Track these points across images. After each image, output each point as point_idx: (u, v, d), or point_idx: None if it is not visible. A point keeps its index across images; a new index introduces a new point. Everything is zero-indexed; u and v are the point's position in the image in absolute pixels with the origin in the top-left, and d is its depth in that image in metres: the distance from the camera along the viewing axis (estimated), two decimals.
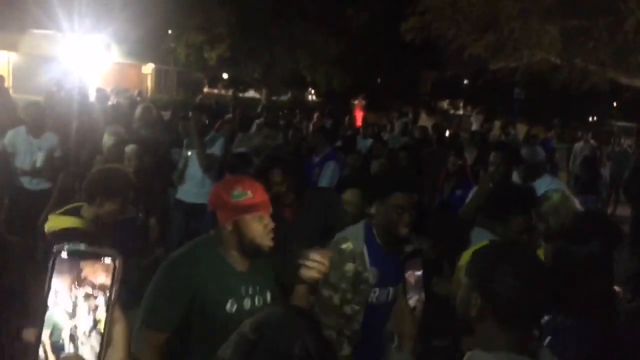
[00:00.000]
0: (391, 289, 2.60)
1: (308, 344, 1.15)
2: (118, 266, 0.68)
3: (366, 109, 20.07)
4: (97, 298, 0.67)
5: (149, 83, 24.85)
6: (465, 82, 31.49)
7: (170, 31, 20.22)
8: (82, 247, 0.68)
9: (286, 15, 19.09)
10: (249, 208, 2.11)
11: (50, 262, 0.67)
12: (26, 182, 5.53)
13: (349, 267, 2.55)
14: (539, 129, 16.92)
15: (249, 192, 2.12)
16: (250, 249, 2.15)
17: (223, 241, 2.17)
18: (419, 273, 1.81)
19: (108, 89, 14.33)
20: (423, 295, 1.78)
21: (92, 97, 11.27)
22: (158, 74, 25.09)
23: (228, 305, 2.12)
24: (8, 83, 14.61)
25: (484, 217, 3.12)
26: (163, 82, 25.03)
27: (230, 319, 2.09)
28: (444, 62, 23.70)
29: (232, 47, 19.18)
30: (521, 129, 17.10)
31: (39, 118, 5.74)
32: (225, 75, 23.33)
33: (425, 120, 19.13)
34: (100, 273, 0.67)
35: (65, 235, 2.55)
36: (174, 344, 2.10)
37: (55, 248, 0.68)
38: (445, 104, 32.92)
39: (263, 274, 2.25)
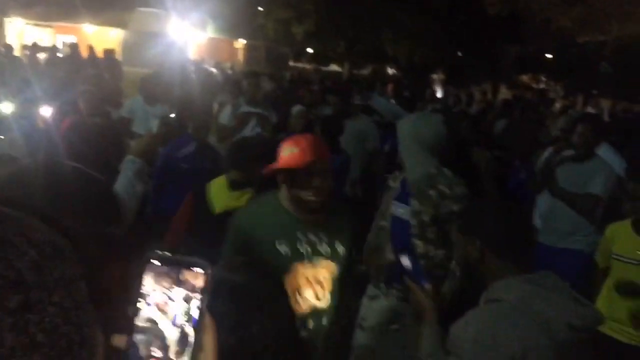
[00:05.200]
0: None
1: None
2: (209, 275, 0.66)
3: (446, 83, 19.27)
4: (188, 305, 0.66)
5: (240, 57, 25.44)
6: (549, 56, 29.65)
7: (260, 8, 20.58)
8: (173, 255, 0.67)
9: None
10: (290, 162, 2.16)
11: (141, 269, 0.66)
12: None
13: None
14: (625, 104, 15.79)
15: (296, 149, 2.16)
16: (295, 202, 2.21)
17: (282, 191, 2.25)
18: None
19: (206, 62, 15.21)
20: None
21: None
22: (248, 48, 25.66)
23: (278, 245, 2.20)
24: (118, 57, 15.88)
25: None
26: (253, 56, 25.53)
27: (284, 259, 2.19)
28: (527, 36, 22.51)
29: (318, 22, 19.24)
30: (605, 104, 16.07)
31: (154, 89, 6.00)
32: (309, 50, 23.45)
33: (505, 94, 18.22)
34: (191, 281, 0.66)
35: None
36: None
37: (147, 254, 0.67)
38: (526, 78, 31.21)
39: (337, 227, 2.31)
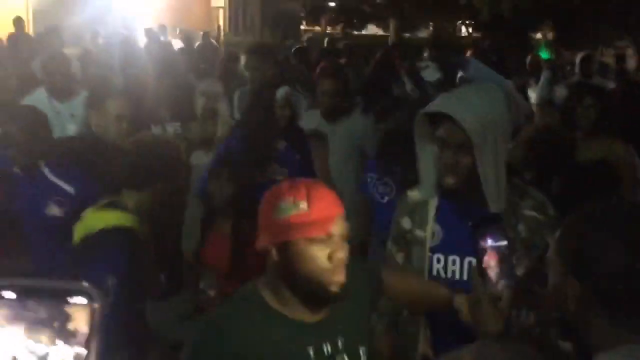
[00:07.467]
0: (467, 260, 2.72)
1: None
2: (98, 309, 0.64)
3: (555, 44, 18.17)
4: (67, 352, 0.63)
5: (221, 21, 25.02)
6: None
7: None
8: (38, 282, 0.66)
9: None
10: (300, 227, 1.94)
11: None
12: None
13: (405, 222, 2.81)
14: None
15: (303, 204, 1.94)
16: (307, 290, 2.00)
17: (272, 281, 2.07)
18: (503, 244, 2.12)
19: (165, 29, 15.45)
20: (511, 278, 2.11)
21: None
22: (233, 8, 25.61)
23: None
24: (27, 28, 15.76)
25: None
26: (240, 20, 25.17)
27: None
28: None
29: None
30: None
31: (65, 76, 6.19)
32: (331, 4, 23.09)
33: None
34: (70, 317, 0.63)
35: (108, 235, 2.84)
36: None
37: None
38: None
39: (350, 321, 2.18)
